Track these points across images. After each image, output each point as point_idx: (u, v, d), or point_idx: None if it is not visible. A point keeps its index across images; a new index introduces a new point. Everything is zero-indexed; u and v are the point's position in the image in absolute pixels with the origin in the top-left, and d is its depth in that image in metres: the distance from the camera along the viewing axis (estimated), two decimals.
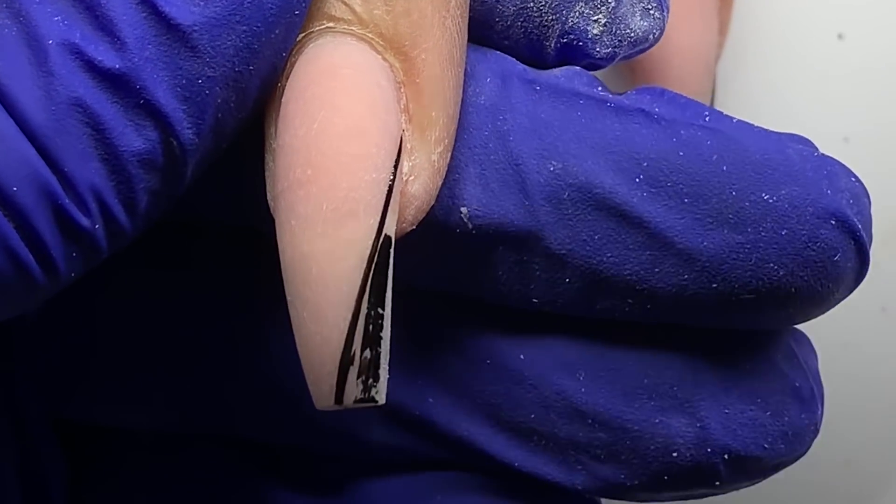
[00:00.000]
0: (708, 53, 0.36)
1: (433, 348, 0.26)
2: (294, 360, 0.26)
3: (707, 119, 0.25)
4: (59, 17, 0.20)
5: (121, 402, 0.28)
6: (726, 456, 0.26)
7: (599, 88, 0.25)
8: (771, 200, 0.24)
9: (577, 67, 0.25)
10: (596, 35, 0.24)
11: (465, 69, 0.24)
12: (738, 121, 0.25)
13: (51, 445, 0.29)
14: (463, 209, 0.24)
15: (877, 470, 0.42)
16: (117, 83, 0.20)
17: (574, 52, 0.25)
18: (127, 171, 0.21)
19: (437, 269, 0.25)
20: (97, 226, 0.21)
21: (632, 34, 0.25)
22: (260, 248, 0.26)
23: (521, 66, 0.25)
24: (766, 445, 0.26)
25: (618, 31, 0.24)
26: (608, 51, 0.25)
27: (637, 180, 0.24)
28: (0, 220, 0.20)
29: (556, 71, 0.25)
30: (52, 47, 0.20)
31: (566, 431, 0.26)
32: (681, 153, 0.24)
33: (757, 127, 0.25)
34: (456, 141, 0.24)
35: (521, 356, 0.26)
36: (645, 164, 0.24)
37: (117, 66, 0.20)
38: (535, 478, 0.26)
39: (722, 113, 0.25)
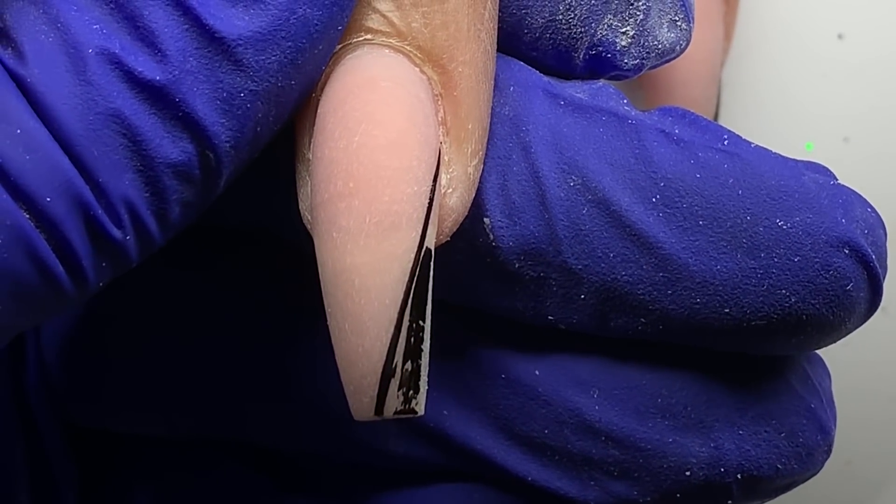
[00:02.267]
0: (713, 59, 0.36)
1: (449, 362, 0.26)
2: (312, 367, 0.26)
3: (726, 143, 0.25)
4: (98, 27, 0.20)
5: (134, 409, 0.28)
6: (739, 476, 0.26)
7: (625, 103, 0.25)
8: (785, 226, 0.24)
9: (603, 82, 0.25)
10: (624, 47, 0.25)
11: None
12: (756, 146, 0.25)
13: (62, 450, 0.29)
14: (486, 220, 0.24)
15: (877, 470, 0.42)
16: (157, 95, 0.20)
17: (602, 64, 0.25)
18: (161, 184, 0.21)
19: (458, 280, 0.25)
20: (128, 237, 0.21)
21: (659, 46, 0.25)
22: (280, 253, 0.26)
23: (545, 78, 0.25)
24: (779, 466, 0.26)
25: (645, 43, 0.25)
26: (636, 62, 0.25)
27: (654, 200, 0.24)
28: (30, 230, 0.20)
29: (582, 84, 0.25)
30: (91, 56, 0.20)
31: (579, 447, 0.26)
32: (698, 175, 0.24)
33: (774, 153, 0.25)
34: None
35: (536, 372, 0.26)
36: (662, 184, 0.24)
37: (158, 77, 0.20)
38: (549, 492, 0.26)
39: (741, 137, 0.25)
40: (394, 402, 0.22)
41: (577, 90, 0.25)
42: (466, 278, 0.25)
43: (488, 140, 0.24)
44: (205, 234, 0.27)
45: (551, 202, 0.24)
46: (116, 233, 0.21)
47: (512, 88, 0.24)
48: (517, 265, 0.24)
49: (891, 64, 0.40)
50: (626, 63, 0.25)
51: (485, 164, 0.24)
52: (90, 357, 0.28)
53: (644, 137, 0.24)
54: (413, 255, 0.21)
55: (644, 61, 0.25)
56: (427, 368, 0.22)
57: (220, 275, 0.27)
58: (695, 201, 0.24)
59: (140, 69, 0.20)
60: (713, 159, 0.24)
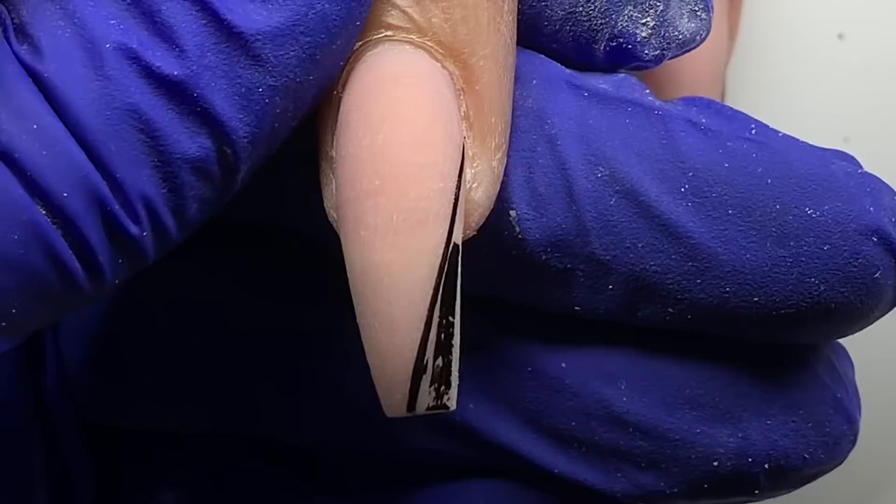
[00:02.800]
0: (718, 59, 0.36)
1: (475, 355, 0.26)
2: (339, 362, 0.26)
3: (753, 132, 0.25)
4: (115, 21, 0.20)
5: (152, 405, 0.28)
6: (767, 466, 0.26)
7: (648, 93, 0.25)
8: (814, 215, 0.24)
9: (624, 73, 0.25)
10: (644, 38, 0.25)
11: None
12: (784, 135, 0.25)
13: (79, 448, 0.29)
14: (512, 212, 0.24)
15: (877, 470, 0.42)
16: (174, 90, 0.20)
17: (623, 55, 0.25)
18: (179, 179, 0.21)
19: (484, 273, 0.25)
20: (145, 233, 0.21)
21: (680, 36, 0.25)
22: (304, 248, 0.26)
23: (568, 70, 0.25)
24: (806, 455, 0.26)
25: (666, 34, 0.25)
26: (656, 53, 0.25)
27: (682, 190, 0.24)
28: (47, 225, 0.20)
29: (604, 76, 0.25)
30: (109, 51, 0.20)
31: (607, 439, 0.26)
32: (726, 164, 0.24)
33: (802, 142, 0.25)
34: None
35: (563, 364, 0.26)
36: (690, 174, 0.24)
37: (175, 72, 0.20)
38: (576, 484, 0.26)
39: (768, 126, 0.25)
40: (426, 398, 0.22)
41: (601, 82, 0.25)
42: (493, 271, 0.25)
43: (513, 133, 0.24)
44: (226, 230, 0.27)
45: (579, 193, 0.24)
46: (134, 229, 0.21)
47: (535, 81, 0.24)
48: (544, 257, 0.24)
49: (891, 64, 0.40)
50: (646, 54, 0.25)
51: (510, 157, 0.24)
52: (109, 354, 0.28)
53: (671, 127, 0.24)
54: (441, 251, 0.21)
55: (665, 52, 0.24)
56: (458, 363, 0.22)
57: (243, 271, 0.27)
58: (724, 190, 0.24)
59: (158, 64, 0.20)
60: (741, 148, 0.24)
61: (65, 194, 0.20)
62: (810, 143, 0.25)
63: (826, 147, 0.25)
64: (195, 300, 0.27)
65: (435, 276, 0.21)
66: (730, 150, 0.24)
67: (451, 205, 0.21)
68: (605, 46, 0.25)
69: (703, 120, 0.24)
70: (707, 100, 0.25)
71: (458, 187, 0.22)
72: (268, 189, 0.25)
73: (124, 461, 0.30)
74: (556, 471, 0.26)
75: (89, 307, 0.27)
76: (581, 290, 0.25)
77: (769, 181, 0.24)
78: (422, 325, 0.21)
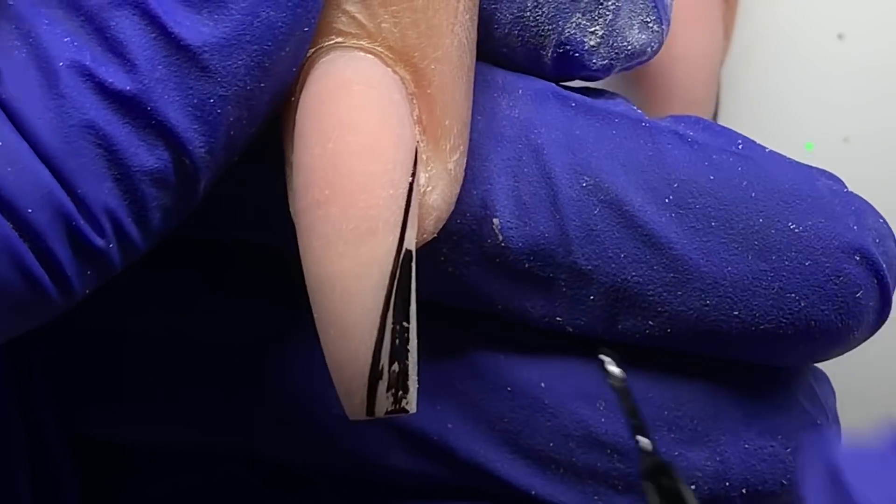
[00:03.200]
0: (713, 59, 0.36)
1: (454, 375, 0.26)
2: (314, 379, 0.26)
3: (740, 146, 0.25)
4: (69, 39, 0.20)
5: (140, 419, 0.28)
6: (744, 490, 0.26)
7: (636, 110, 0.25)
8: (797, 230, 0.24)
9: (612, 92, 0.25)
10: (592, 47, 0.25)
11: (497, 82, 0.24)
12: (770, 151, 0.25)
13: (66, 459, 0.29)
14: (495, 220, 0.24)
15: None
16: (128, 104, 0.20)
17: (570, 63, 0.25)
18: (140, 191, 0.21)
19: (466, 284, 0.25)
20: (111, 245, 0.21)
21: (629, 47, 0.25)
22: (281, 265, 0.26)
23: (554, 84, 0.25)
24: (784, 481, 0.26)
25: (615, 44, 0.25)
26: (605, 62, 0.25)
27: (667, 200, 0.24)
28: (15, 240, 0.20)
29: (592, 92, 0.25)
30: (63, 69, 0.20)
31: (584, 460, 0.26)
32: (711, 177, 0.24)
33: (788, 158, 0.25)
34: (489, 152, 0.24)
35: (542, 384, 0.26)
36: (675, 185, 0.24)
37: (128, 87, 0.20)
38: None
39: (754, 142, 0.25)
40: (384, 402, 0.22)
41: (588, 94, 0.25)
42: (474, 280, 0.25)
43: (498, 142, 0.24)
44: (208, 248, 0.27)
45: (563, 202, 0.24)
46: (99, 241, 0.21)
47: (521, 91, 0.25)
48: (527, 265, 0.24)
49: (891, 64, 0.40)
50: (594, 63, 0.25)
51: (495, 165, 0.24)
52: (97, 368, 0.28)
53: (658, 140, 0.24)
54: (392, 259, 0.22)
55: (613, 62, 0.25)
56: (416, 368, 0.22)
57: (225, 289, 0.27)
58: (708, 202, 0.24)
59: (111, 80, 0.20)
60: (727, 162, 0.24)
61: (30, 210, 0.20)
62: (796, 159, 0.25)
63: (810, 165, 0.25)
64: (180, 316, 0.27)
65: (387, 283, 0.22)
66: (715, 162, 0.24)
67: (403, 211, 0.22)
68: (552, 53, 0.25)
69: (691, 133, 0.25)
70: (695, 117, 0.25)
71: (410, 193, 0.22)
72: (244, 201, 0.25)
73: (106, 470, 0.30)
74: (533, 492, 0.26)
75: (76, 321, 0.27)
76: (562, 301, 0.25)
77: (753, 195, 0.24)
78: (375, 332, 0.22)
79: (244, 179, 0.24)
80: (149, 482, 0.30)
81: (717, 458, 0.26)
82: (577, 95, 0.25)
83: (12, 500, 0.28)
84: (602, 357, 0.24)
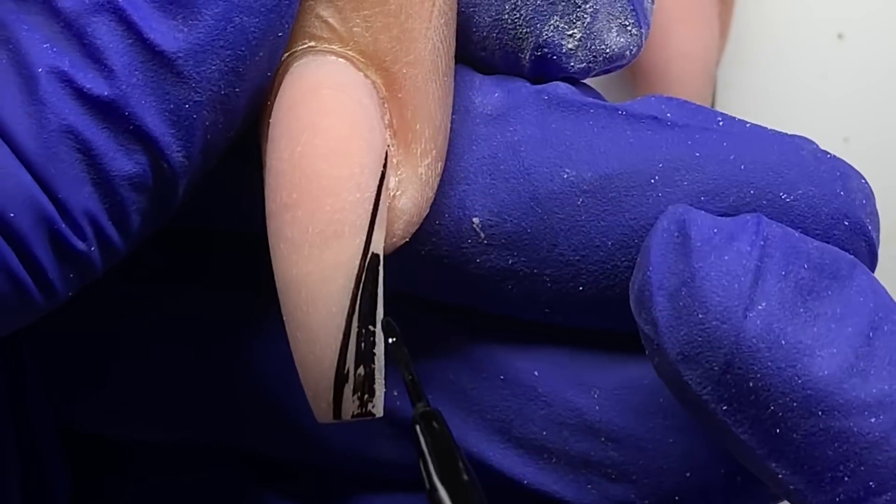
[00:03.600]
0: (708, 57, 0.36)
1: (445, 364, 0.26)
2: (291, 373, 0.26)
3: (720, 123, 0.25)
4: (48, 45, 0.21)
5: (131, 415, 0.28)
6: (739, 478, 0.26)
7: (605, 100, 0.25)
8: (788, 199, 0.24)
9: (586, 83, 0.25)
10: (570, 49, 0.25)
11: (473, 82, 0.25)
12: (752, 124, 0.25)
13: (56, 457, 0.29)
14: (475, 219, 0.24)
15: None
16: (106, 110, 0.21)
17: (549, 66, 0.25)
18: (119, 195, 0.21)
19: (448, 283, 0.25)
20: (92, 248, 0.21)
21: (607, 50, 0.25)
22: (266, 261, 0.27)
23: (527, 81, 0.25)
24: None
25: (593, 47, 0.25)
26: (583, 66, 0.25)
27: (652, 181, 0.24)
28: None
29: (562, 85, 0.25)
30: (42, 75, 0.20)
31: (578, 449, 0.26)
32: (697, 154, 0.24)
33: (770, 129, 0.25)
34: (464, 152, 0.24)
35: (536, 373, 0.26)
36: (660, 165, 0.24)
37: (106, 93, 0.21)
38: (545, 496, 0.26)
39: (734, 117, 0.25)
40: (350, 405, 0.22)
41: (560, 87, 0.25)
42: (456, 280, 0.25)
43: (474, 142, 0.24)
44: (198, 245, 0.27)
45: (544, 197, 0.24)
46: (81, 245, 0.21)
47: (497, 94, 0.25)
48: (511, 261, 0.24)
49: (891, 64, 0.39)
50: (572, 66, 0.25)
51: (471, 165, 0.24)
52: (87, 364, 0.28)
53: (636, 125, 0.24)
54: (358, 263, 0.22)
55: (592, 65, 0.25)
56: (383, 372, 0.22)
57: (215, 286, 0.27)
58: (696, 177, 0.24)
59: (89, 86, 0.21)
60: (711, 138, 0.24)
61: (12, 214, 0.20)
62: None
63: (789, 133, 0.25)
64: (171, 315, 0.27)
65: (352, 286, 0.22)
66: (699, 140, 0.24)
67: (370, 215, 0.22)
68: (530, 56, 0.25)
69: (669, 115, 0.25)
70: (666, 96, 0.25)
71: (378, 196, 0.22)
72: (230, 190, 0.25)
73: (97, 466, 0.30)
74: (525, 481, 0.26)
75: (67, 319, 0.27)
76: (548, 294, 0.25)
77: (742, 167, 0.24)
78: (340, 336, 0.22)
79: (234, 177, 0.24)
80: (140, 479, 0.30)
81: (713, 444, 0.26)
82: (550, 87, 0.25)
83: (3, 497, 0.28)
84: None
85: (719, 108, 0.39)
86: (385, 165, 0.22)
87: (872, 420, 0.21)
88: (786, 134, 0.25)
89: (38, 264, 0.21)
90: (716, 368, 0.22)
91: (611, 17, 0.24)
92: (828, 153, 0.25)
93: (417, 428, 0.22)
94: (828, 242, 0.24)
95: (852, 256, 0.23)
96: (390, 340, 0.23)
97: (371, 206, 0.22)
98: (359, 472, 0.28)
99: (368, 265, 0.22)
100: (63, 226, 0.21)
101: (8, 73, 0.21)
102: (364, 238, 0.22)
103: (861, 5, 0.39)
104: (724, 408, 0.22)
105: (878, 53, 0.39)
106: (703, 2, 0.37)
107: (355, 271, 0.22)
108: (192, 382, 0.28)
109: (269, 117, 0.23)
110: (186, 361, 0.27)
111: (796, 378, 0.21)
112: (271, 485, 0.29)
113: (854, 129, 0.40)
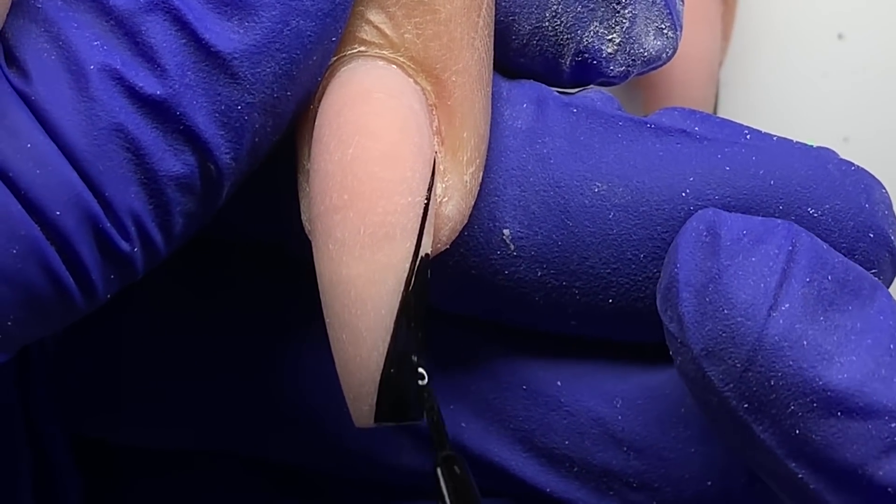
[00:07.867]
0: (711, 60, 0.36)
1: (467, 374, 0.26)
2: (321, 381, 0.26)
3: (748, 137, 0.25)
4: (99, 42, 0.20)
5: (143, 421, 0.28)
6: (759, 486, 0.26)
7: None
8: (815, 214, 0.24)
9: (605, 92, 0.25)
10: (610, 54, 0.25)
11: (501, 94, 0.25)
12: (779, 138, 0.25)
13: (67, 460, 0.29)
14: (505, 231, 0.24)
15: None
16: (158, 109, 0.21)
17: (588, 71, 0.25)
18: (165, 195, 0.21)
19: (478, 293, 0.25)
20: (135, 249, 0.21)
21: (645, 53, 0.25)
22: (287, 267, 0.27)
23: (555, 91, 0.25)
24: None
25: (631, 51, 0.25)
26: (622, 69, 0.25)
27: (683, 195, 0.24)
28: (42, 243, 0.20)
29: (590, 94, 0.25)
30: (93, 73, 0.20)
31: (600, 458, 0.26)
32: (727, 168, 0.24)
33: (797, 143, 0.25)
34: (494, 164, 0.24)
35: (558, 383, 0.26)
36: (691, 178, 0.24)
37: (158, 92, 0.20)
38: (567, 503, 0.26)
39: (760, 131, 0.25)
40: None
41: (588, 98, 0.25)
42: (482, 291, 0.25)
43: (503, 153, 0.24)
44: (214, 250, 0.27)
45: (575, 210, 0.24)
46: (124, 245, 0.21)
47: (525, 105, 0.25)
48: (539, 273, 0.24)
49: (891, 64, 0.40)
50: (612, 70, 0.25)
51: (501, 177, 0.24)
52: (99, 368, 0.28)
53: (665, 138, 0.24)
54: (408, 265, 0.22)
55: (630, 68, 0.25)
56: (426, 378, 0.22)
57: (230, 291, 0.27)
58: (726, 192, 0.24)
59: (141, 84, 0.20)
60: (740, 153, 0.24)
61: (58, 212, 0.20)
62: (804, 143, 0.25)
63: (813, 146, 0.25)
64: (187, 322, 0.27)
65: (401, 289, 0.22)
66: (728, 155, 0.24)
67: (420, 219, 0.22)
68: (570, 61, 0.25)
69: (697, 129, 0.25)
70: (688, 109, 0.25)
71: (428, 201, 0.22)
72: (257, 205, 0.25)
73: (107, 471, 0.30)
74: (547, 490, 0.26)
75: (85, 324, 0.27)
76: (576, 307, 0.25)
77: (772, 182, 0.24)
78: (388, 338, 0.22)
79: (260, 182, 0.24)
80: (152, 482, 0.30)
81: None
82: (578, 99, 0.25)
83: (14, 500, 0.28)
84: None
85: (721, 109, 0.39)
86: (433, 172, 0.22)
87: (893, 425, 0.21)
88: (812, 147, 0.25)
89: (81, 264, 0.21)
90: (738, 365, 0.22)
91: (648, 20, 0.25)
92: (852, 165, 0.25)
93: (439, 471, 0.22)
94: (853, 254, 0.24)
95: (875, 279, 0.24)
96: (420, 383, 0.22)
97: (421, 210, 0.22)
98: (378, 481, 0.28)
99: (418, 268, 0.22)
100: (108, 225, 0.21)
101: (59, 70, 0.20)
102: (414, 241, 0.22)
103: (861, 5, 0.40)
104: (746, 405, 0.22)
105: (878, 53, 0.40)
106: (705, 4, 0.37)
107: (405, 274, 0.22)
108: (209, 391, 0.27)
109: (311, 121, 0.23)
110: (203, 369, 0.27)
111: (817, 379, 0.22)
112: (289, 493, 0.29)
113: (854, 128, 0.40)
